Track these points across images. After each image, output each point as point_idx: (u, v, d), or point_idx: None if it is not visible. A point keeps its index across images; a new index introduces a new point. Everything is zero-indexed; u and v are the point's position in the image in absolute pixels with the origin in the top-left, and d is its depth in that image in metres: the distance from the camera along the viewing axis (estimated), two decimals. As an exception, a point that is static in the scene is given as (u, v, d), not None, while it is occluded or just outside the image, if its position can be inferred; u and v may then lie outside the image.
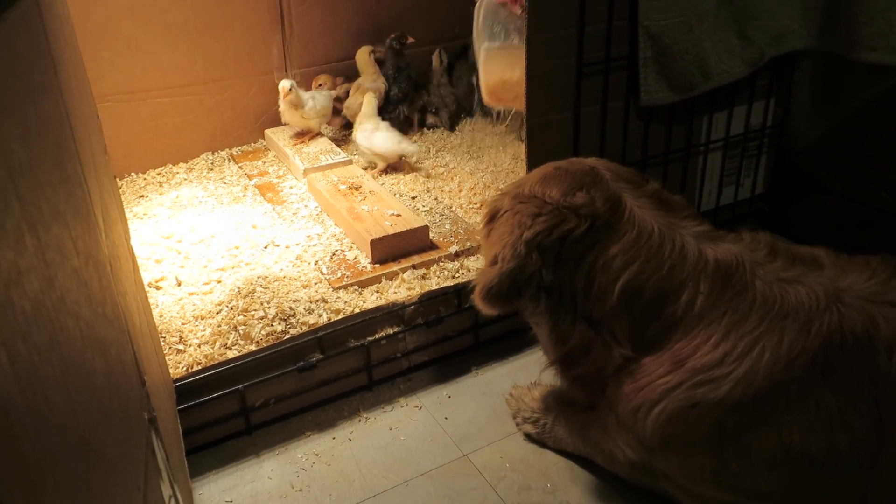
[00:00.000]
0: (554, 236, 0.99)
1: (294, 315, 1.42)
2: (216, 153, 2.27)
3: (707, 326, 0.94)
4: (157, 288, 1.56)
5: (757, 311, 0.93)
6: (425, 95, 2.37)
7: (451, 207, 1.86)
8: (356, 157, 2.13)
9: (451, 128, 2.35)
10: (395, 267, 1.58)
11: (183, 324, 1.42)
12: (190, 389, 1.24)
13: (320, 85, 2.24)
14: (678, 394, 0.94)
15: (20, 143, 0.44)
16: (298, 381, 1.33)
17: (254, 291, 1.50)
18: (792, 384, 0.90)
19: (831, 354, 0.90)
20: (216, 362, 1.28)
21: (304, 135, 2.20)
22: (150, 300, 1.49)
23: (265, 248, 1.71)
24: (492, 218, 1.09)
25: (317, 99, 2.14)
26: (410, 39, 2.26)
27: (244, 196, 2.00)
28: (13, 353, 0.36)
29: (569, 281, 1.01)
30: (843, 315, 0.91)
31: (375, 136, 2.05)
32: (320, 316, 1.42)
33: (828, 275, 0.96)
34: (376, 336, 1.38)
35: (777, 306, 0.93)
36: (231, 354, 1.32)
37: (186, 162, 2.21)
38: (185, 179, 2.12)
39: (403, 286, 1.53)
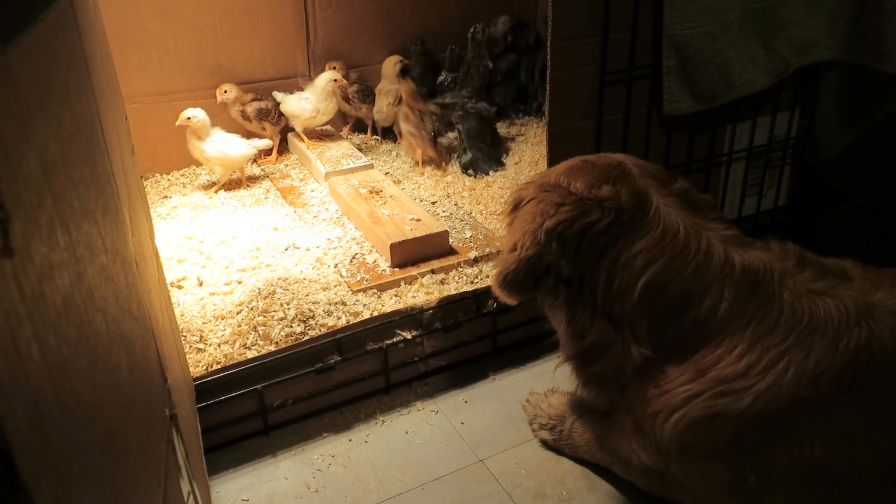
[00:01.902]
0: (575, 227, 0.98)
1: (313, 317, 1.44)
2: (239, 155, 2.29)
3: (731, 335, 0.93)
4: (179, 287, 1.58)
5: (784, 323, 0.92)
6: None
7: (470, 213, 1.87)
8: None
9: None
10: (414, 271, 1.59)
11: (203, 323, 1.44)
12: (209, 388, 1.25)
13: (334, 68, 2.25)
14: (699, 402, 0.93)
15: (55, 142, 0.46)
16: (316, 382, 1.34)
17: (274, 293, 1.51)
18: (816, 400, 0.89)
19: (858, 370, 0.89)
20: (235, 362, 1.29)
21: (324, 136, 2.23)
22: (172, 299, 1.50)
23: (286, 250, 1.72)
24: (515, 206, 1.08)
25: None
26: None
27: (266, 198, 2.02)
28: (45, 345, 0.37)
29: (589, 275, 1.00)
30: (872, 331, 0.90)
31: None
32: (339, 318, 1.43)
33: (857, 288, 0.95)
34: (394, 339, 1.38)
35: (805, 319, 0.91)
36: (250, 354, 1.33)
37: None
38: (209, 181, 2.14)
39: (422, 290, 1.54)
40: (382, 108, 2.29)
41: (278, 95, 2.18)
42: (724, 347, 0.94)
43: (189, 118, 1.95)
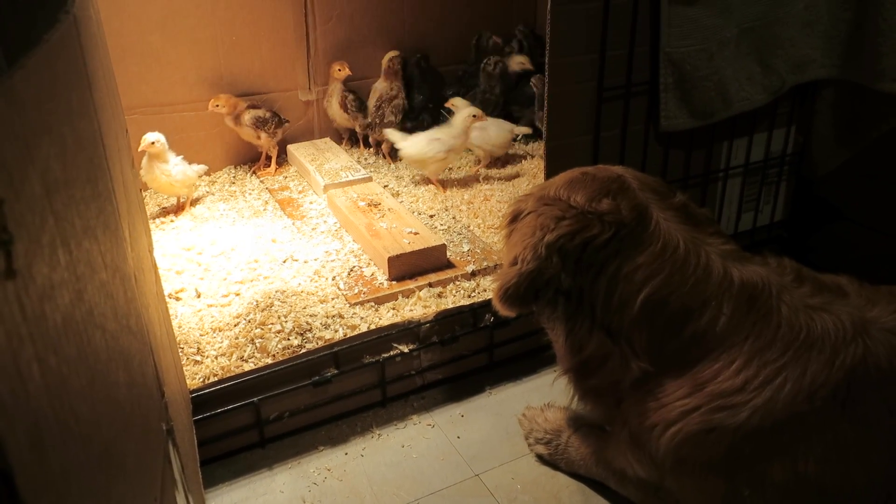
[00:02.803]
0: (576, 241, 0.98)
1: (310, 329, 1.44)
2: (238, 167, 2.30)
3: (729, 349, 0.94)
4: (177, 299, 1.58)
5: (782, 338, 0.92)
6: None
7: (468, 227, 1.87)
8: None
9: None
10: (411, 284, 1.59)
11: (201, 335, 1.44)
12: (206, 401, 1.25)
13: (339, 70, 2.24)
14: (696, 417, 0.94)
15: (57, 162, 0.46)
16: (313, 395, 1.34)
17: (271, 305, 1.51)
18: (811, 415, 0.89)
19: (853, 387, 0.89)
20: (232, 374, 1.30)
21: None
22: (170, 311, 1.51)
23: (284, 262, 1.72)
24: (514, 218, 1.07)
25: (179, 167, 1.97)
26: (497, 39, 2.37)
27: (265, 210, 2.03)
28: (45, 365, 0.38)
29: (589, 288, 0.99)
30: (868, 347, 0.90)
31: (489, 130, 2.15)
32: (336, 331, 1.43)
33: (854, 304, 0.96)
34: (391, 353, 1.39)
35: (803, 335, 0.92)
36: (247, 367, 1.33)
37: (209, 175, 2.24)
38: (208, 192, 2.15)
39: (419, 304, 1.54)
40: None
41: (393, 135, 2.08)
42: (722, 362, 0.94)
43: (153, 143, 1.88)
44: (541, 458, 1.29)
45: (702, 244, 0.99)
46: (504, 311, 1.05)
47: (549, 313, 1.06)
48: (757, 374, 0.91)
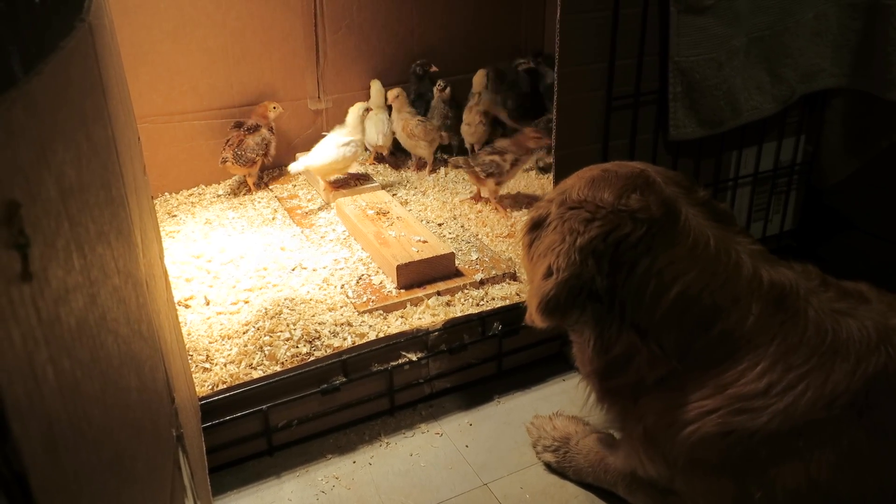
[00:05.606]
0: (609, 241, 0.96)
1: (319, 337, 1.44)
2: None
3: (755, 350, 0.93)
4: (186, 306, 1.58)
5: (808, 342, 0.92)
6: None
7: (477, 235, 1.87)
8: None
9: None
10: (420, 293, 1.59)
11: (210, 343, 1.44)
12: (215, 408, 1.25)
13: (397, 97, 2.22)
14: (714, 418, 0.93)
15: (72, 167, 0.47)
16: (321, 403, 1.34)
17: (280, 313, 1.51)
18: (828, 423, 0.89)
19: (872, 395, 0.89)
20: (241, 382, 1.30)
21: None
22: (180, 318, 1.51)
23: (293, 270, 1.73)
24: (535, 226, 1.05)
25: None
26: (434, 68, 2.31)
27: (274, 218, 2.03)
28: (59, 368, 0.38)
29: (620, 287, 0.97)
30: (890, 356, 0.90)
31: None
32: (345, 339, 1.43)
33: (876, 310, 0.95)
34: (399, 361, 1.39)
35: (829, 339, 0.91)
36: (256, 374, 1.34)
37: (219, 183, 2.26)
38: (217, 200, 2.16)
39: (428, 312, 1.54)
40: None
41: None
42: (747, 363, 0.93)
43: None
44: (549, 467, 1.28)
45: (731, 242, 0.98)
46: (542, 323, 1.02)
47: (577, 317, 1.03)
48: (781, 379, 0.91)
